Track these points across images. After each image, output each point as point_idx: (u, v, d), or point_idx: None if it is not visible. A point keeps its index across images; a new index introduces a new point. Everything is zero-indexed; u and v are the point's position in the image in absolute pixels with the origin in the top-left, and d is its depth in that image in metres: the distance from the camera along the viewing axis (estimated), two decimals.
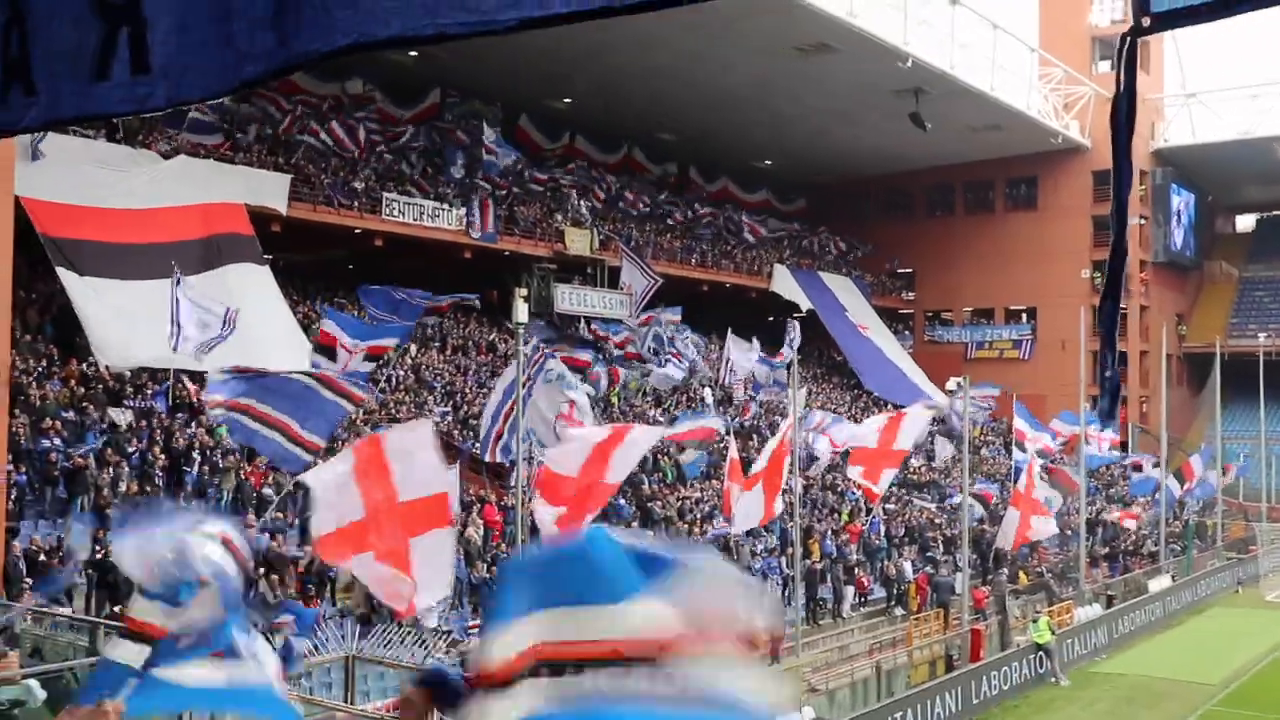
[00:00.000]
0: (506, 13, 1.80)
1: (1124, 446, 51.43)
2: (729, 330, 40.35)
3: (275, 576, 20.09)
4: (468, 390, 32.69)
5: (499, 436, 22.37)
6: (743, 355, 39.76)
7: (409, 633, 18.82)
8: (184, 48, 1.92)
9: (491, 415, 22.99)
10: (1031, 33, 56.30)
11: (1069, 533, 38.30)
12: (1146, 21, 1.70)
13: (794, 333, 40.40)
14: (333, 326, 25.66)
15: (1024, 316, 58.53)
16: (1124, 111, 1.73)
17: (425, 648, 19.37)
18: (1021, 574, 34.82)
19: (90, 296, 24.07)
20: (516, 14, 1.80)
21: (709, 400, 40.31)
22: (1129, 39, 1.74)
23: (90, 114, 2.03)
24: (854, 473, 28.95)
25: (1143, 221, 56.52)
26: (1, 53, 2.05)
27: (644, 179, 50.71)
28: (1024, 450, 39.00)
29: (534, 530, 21.71)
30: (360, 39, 1.82)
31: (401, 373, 32.20)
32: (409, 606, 13.66)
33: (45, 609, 15.89)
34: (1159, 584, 36.09)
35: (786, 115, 46.74)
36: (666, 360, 38.34)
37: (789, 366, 31.01)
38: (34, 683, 7.54)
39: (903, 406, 44.12)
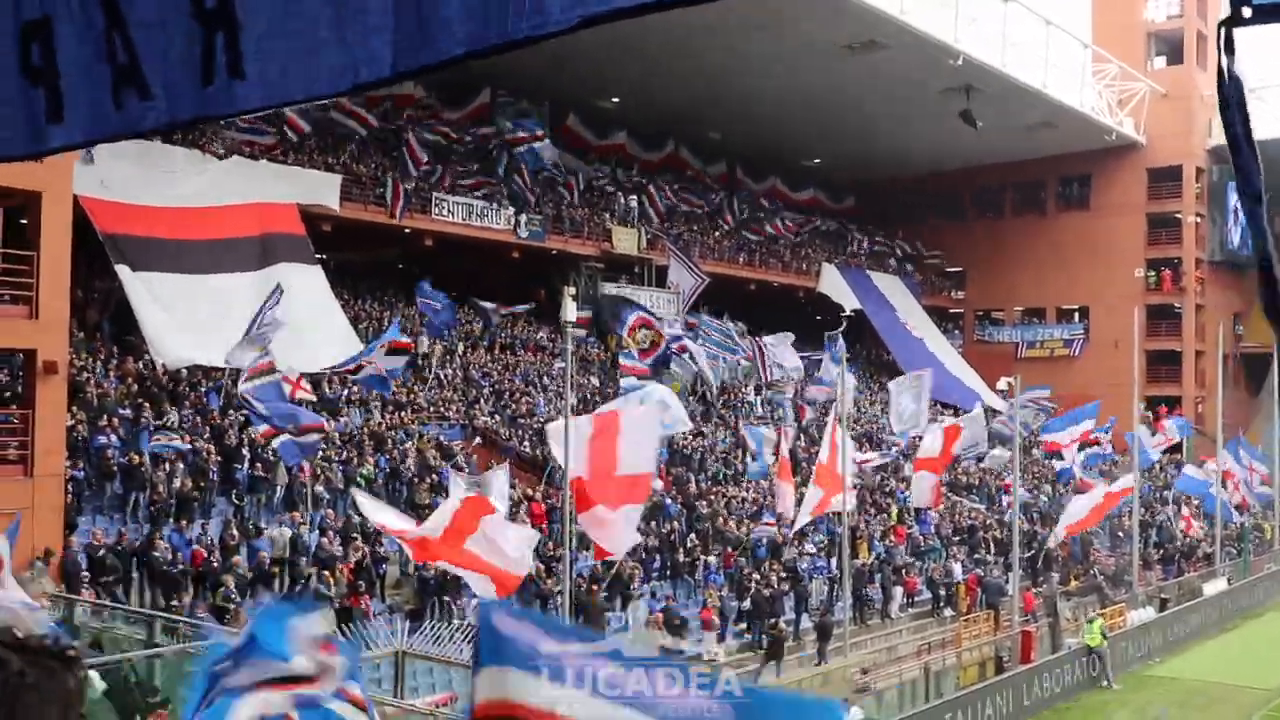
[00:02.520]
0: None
1: (1178, 448, 50.63)
2: (761, 330, 40.21)
3: (327, 573, 20.33)
4: (515, 389, 32.86)
5: None
6: (784, 352, 39.53)
7: (458, 628, 18.96)
8: (282, 52, 1.98)
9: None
10: (1085, 29, 55.62)
11: (1120, 535, 37.86)
12: (1247, 12, 1.65)
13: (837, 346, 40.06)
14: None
15: (1076, 316, 57.83)
16: (1234, 100, 1.68)
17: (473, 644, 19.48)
18: (1071, 577, 34.42)
19: (144, 295, 24.46)
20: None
21: (754, 400, 40.26)
22: (1225, 29, 1.69)
23: (205, 116, 2.11)
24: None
25: (1199, 219, 55.63)
26: (109, 58, 2.13)
27: (691, 178, 50.67)
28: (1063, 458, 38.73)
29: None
30: (484, 44, 1.84)
31: (450, 371, 32.44)
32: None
33: (105, 603, 16.20)
34: (1214, 587, 35.51)
35: (835, 113, 46.51)
36: (714, 357, 38.24)
37: (839, 363, 30.85)
38: (94, 674, 7.69)
39: (953, 406, 43.91)
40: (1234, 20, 1.67)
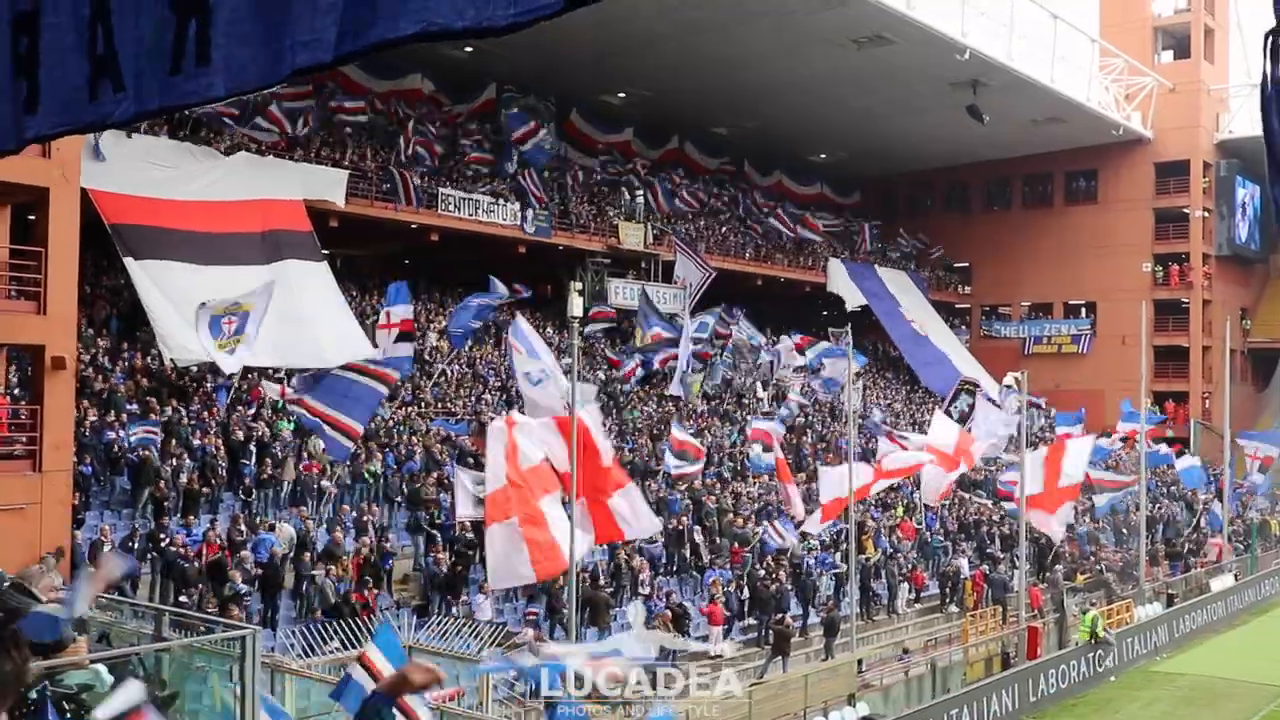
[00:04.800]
0: None
1: (1185, 443, 50.57)
2: (778, 328, 40.23)
3: (333, 568, 20.38)
4: None
5: None
6: (789, 355, 39.77)
7: (464, 624, 19.00)
8: (240, 38, 1.96)
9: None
10: (1092, 23, 55.46)
11: (1126, 530, 37.85)
12: None
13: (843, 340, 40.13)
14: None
15: (1083, 311, 57.67)
16: (1274, 107, 1.73)
17: (479, 639, 19.53)
18: (1078, 573, 34.39)
19: (151, 288, 24.47)
20: None
21: (760, 395, 40.23)
22: (1272, 38, 1.73)
23: (170, 107, 2.08)
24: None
25: (1207, 214, 55.48)
26: (88, 50, 2.11)
27: (697, 173, 50.61)
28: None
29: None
30: (429, 27, 1.83)
31: (457, 367, 32.47)
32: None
33: (113, 597, 16.24)
34: (1221, 583, 35.50)
35: (842, 108, 46.42)
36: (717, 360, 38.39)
37: (845, 359, 30.82)
38: (101, 668, 7.73)
39: (949, 397, 43.80)
40: (1279, 30, 1.72)
